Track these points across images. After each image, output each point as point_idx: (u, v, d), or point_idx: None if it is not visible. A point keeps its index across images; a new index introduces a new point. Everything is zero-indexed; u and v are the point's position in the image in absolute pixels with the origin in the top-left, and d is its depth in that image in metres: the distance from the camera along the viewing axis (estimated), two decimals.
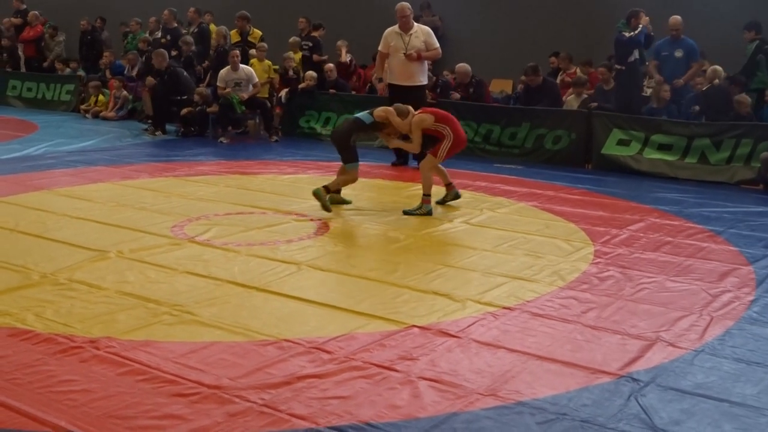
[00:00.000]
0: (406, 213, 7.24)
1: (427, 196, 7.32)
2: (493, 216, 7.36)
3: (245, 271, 5.46)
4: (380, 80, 10.44)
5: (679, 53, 10.86)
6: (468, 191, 8.40)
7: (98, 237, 6.24)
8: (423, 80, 10.09)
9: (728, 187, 9.42)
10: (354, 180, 7.54)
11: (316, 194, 7.24)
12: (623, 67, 10.48)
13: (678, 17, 10.86)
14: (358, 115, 7.62)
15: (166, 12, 14.58)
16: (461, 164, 10.11)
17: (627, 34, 10.32)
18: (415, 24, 10.06)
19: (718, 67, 10.50)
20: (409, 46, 9.77)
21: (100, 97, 15.12)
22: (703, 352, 4.24)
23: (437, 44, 10.06)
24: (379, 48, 10.11)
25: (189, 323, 4.47)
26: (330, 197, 7.34)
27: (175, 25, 14.43)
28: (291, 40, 13.80)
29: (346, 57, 13.90)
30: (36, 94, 16.50)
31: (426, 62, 10.12)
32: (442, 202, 7.70)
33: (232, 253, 5.91)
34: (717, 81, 10.38)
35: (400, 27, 9.93)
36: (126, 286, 5.06)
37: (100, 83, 15.38)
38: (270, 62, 13.41)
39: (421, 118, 7.42)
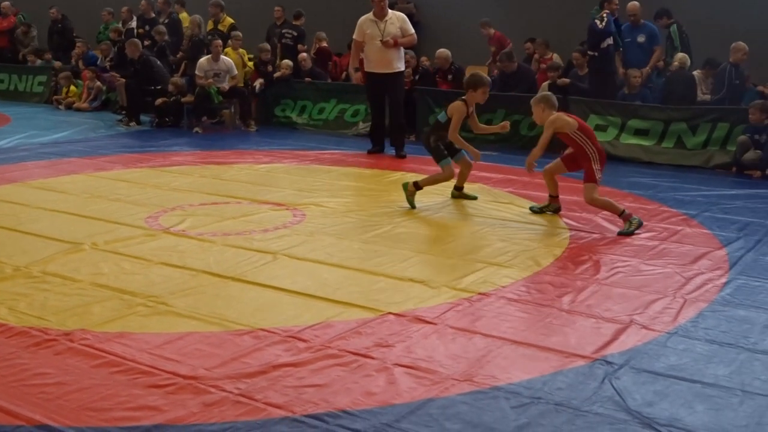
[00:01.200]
0: (622, 233, 6.28)
1: (623, 213, 6.41)
2: (469, 202, 7.37)
3: (221, 261, 5.45)
4: (357, 69, 10.25)
5: (641, 38, 10.98)
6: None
7: (72, 229, 6.19)
8: (401, 66, 10.00)
9: (702, 171, 9.50)
10: (448, 177, 7.30)
11: (403, 187, 7.19)
12: (596, 53, 10.53)
13: (636, 3, 10.94)
14: (439, 115, 7.46)
15: (143, 2, 14.46)
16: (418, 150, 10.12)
17: (599, 25, 10.36)
18: (390, 11, 9.95)
19: (684, 55, 10.59)
20: (385, 33, 9.67)
21: (72, 88, 14.98)
22: (676, 334, 4.28)
23: (413, 30, 10.00)
24: (354, 36, 9.95)
25: (164, 314, 4.46)
26: (456, 193, 7.46)
27: (153, 15, 14.32)
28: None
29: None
30: (8, 85, 16.34)
31: (402, 49, 10.01)
32: (539, 210, 7.01)
33: (207, 243, 5.89)
34: (676, 65, 10.49)
35: (375, 14, 9.82)
36: (100, 278, 5.03)
37: (71, 74, 15.23)
38: (245, 51, 13.35)
39: (562, 118, 6.65)
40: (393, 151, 10.10)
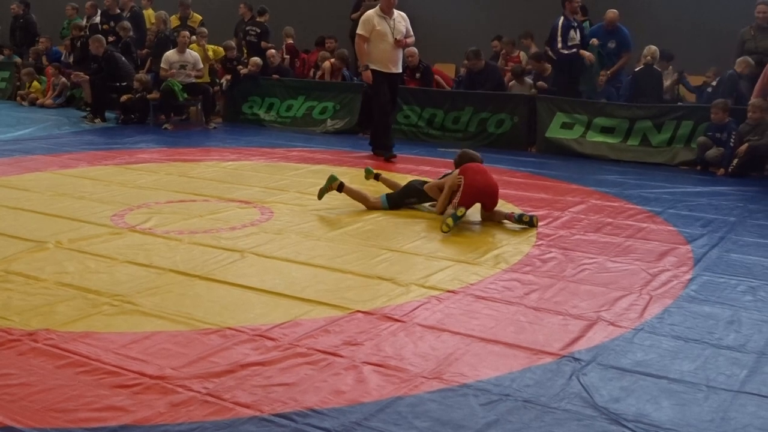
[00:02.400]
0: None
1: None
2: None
3: (188, 259, 5.40)
4: (366, 67, 9.55)
5: (612, 44, 11.14)
6: (412, 175, 8.40)
7: (36, 227, 6.10)
8: (401, 68, 9.87)
9: (668, 169, 9.61)
10: (373, 207, 6.92)
11: (329, 179, 6.99)
12: (555, 56, 10.65)
13: (615, 12, 11.07)
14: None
15: None
16: (405, 149, 10.14)
17: (565, 52, 10.43)
18: (395, 10, 9.56)
19: (654, 47, 10.69)
20: (395, 31, 9.38)
21: (35, 84, 14.78)
22: (642, 330, 4.32)
23: (412, 32, 9.79)
24: (361, 32, 9.46)
25: (130, 313, 4.41)
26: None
27: (118, 11, 14.17)
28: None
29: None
30: None
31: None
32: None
33: (174, 241, 5.84)
34: (649, 58, 10.58)
35: (382, 10, 9.42)
36: (65, 277, 4.96)
37: (34, 69, 15.02)
38: (213, 47, 13.26)
39: (454, 177, 6.68)
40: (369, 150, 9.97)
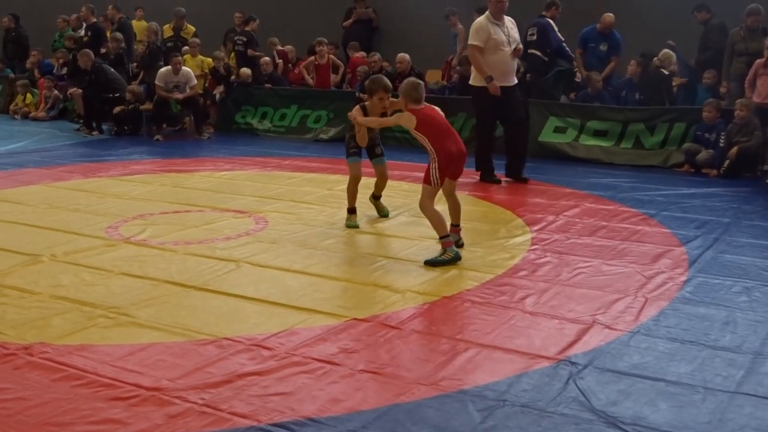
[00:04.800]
0: (428, 263, 5.54)
1: (444, 237, 5.67)
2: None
3: (183, 270, 5.39)
4: (491, 78, 8.37)
5: (603, 47, 11.19)
6: (405, 182, 8.44)
7: (30, 240, 6.09)
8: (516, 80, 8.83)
9: (661, 171, 9.64)
10: (353, 176, 6.67)
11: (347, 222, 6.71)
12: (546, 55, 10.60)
13: (612, 16, 11.10)
14: None
15: (83, 9, 14.34)
16: (397, 155, 10.13)
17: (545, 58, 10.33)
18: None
19: (669, 52, 10.73)
20: (511, 39, 8.45)
21: (28, 96, 14.77)
22: (638, 333, 4.32)
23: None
24: (476, 42, 8.41)
25: (126, 325, 4.40)
26: (372, 201, 7.03)
27: (94, 20, 14.17)
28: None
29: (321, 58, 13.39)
30: None
31: None
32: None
33: (169, 252, 5.83)
34: (657, 62, 10.63)
35: (494, 16, 8.44)
36: (60, 290, 4.95)
37: (28, 82, 15.02)
38: (204, 58, 13.28)
39: (403, 116, 5.81)
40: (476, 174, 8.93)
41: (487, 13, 8.52)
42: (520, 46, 8.58)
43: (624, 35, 11.46)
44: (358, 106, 6.47)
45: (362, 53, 13.49)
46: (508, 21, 8.59)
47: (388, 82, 6.35)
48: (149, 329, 4.33)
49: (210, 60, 13.26)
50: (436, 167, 5.67)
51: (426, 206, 5.73)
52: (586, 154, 10.28)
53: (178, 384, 3.65)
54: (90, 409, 3.42)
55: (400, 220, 6.89)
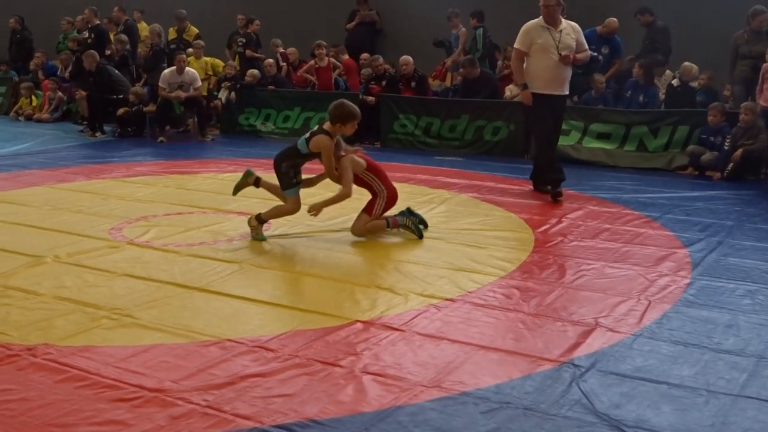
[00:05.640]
0: (403, 226, 6.39)
1: (389, 223, 6.45)
2: (434, 208, 7.39)
3: (186, 271, 5.40)
4: (525, 86, 8.12)
5: (605, 50, 11.19)
6: (409, 184, 8.43)
7: (34, 242, 6.10)
8: (568, 89, 8.33)
9: (664, 173, 9.64)
10: (292, 210, 6.43)
11: (248, 223, 6.44)
12: None
13: (616, 21, 11.11)
14: (299, 141, 6.35)
15: (86, 11, 14.37)
16: (402, 158, 10.16)
17: None
18: (563, 19, 8.08)
19: (691, 65, 10.72)
20: (561, 45, 7.90)
21: (33, 98, 14.80)
22: (641, 335, 4.32)
23: (587, 45, 8.40)
24: (518, 46, 8.06)
25: (129, 326, 4.40)
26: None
27: (97, 22, 14.21)
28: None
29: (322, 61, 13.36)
30: None
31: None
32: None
33: (172, 254, 5.84)
34: (679, 74, 10.66)
35: (546, 20, 7.98)
36: (63, 291, 4.96)
37: (33, 84, 15.06)
38: (208, 59, 13.30)
39: (354, 160, 6.30)
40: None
41: (540, 17, 8.08)
42: (570, 53, 7.91)
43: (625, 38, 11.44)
44: (325, 137, 6.19)
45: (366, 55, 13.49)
46: (568, 26, 8.05)
47: (358, 110, 6.31)
48: (152, 331, 4.33)
49: (215, 61, 13.26)
50: (383, 204, 6.43)
51: (360, 230, 6.39)
52: (589, 157, 10.28)
53: (181, 385, 3.66)
54: (93, 410, 3.42)
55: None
